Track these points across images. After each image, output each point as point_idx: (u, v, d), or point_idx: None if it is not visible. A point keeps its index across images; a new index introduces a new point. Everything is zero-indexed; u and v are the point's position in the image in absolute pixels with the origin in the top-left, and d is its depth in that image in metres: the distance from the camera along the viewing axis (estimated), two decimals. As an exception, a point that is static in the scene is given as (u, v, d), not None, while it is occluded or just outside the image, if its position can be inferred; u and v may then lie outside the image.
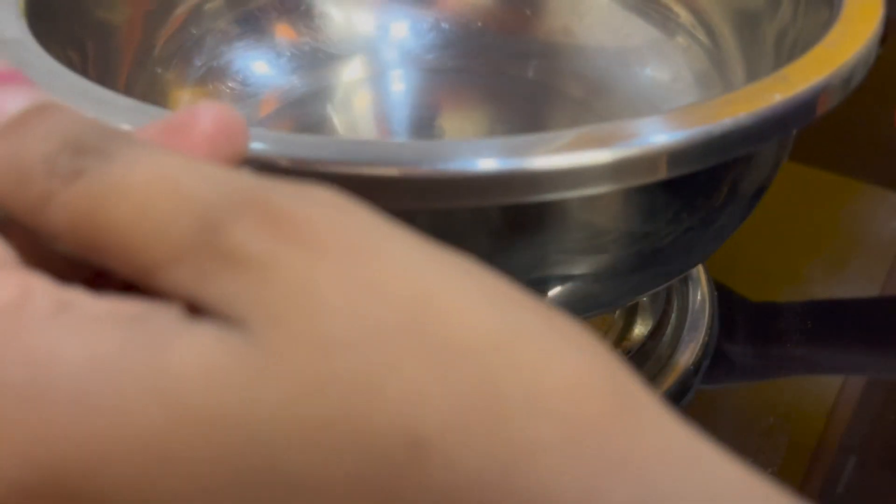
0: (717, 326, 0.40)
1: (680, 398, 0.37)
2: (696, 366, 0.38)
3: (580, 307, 0.30)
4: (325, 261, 0.13)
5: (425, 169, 0.21)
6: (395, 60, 0.45)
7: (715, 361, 0.39)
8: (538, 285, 0.27)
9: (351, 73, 0.45)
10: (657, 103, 0.40)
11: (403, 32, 0.46)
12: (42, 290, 0.14)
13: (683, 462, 0.13)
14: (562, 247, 0.25)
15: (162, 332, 0.13)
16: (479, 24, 0.46)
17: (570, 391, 0.13)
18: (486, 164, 0.20)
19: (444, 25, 0.46)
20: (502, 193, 0.21)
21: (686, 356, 0.39)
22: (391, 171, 0.21)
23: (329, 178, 0.21)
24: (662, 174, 0.21)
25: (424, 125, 0.45)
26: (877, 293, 0.43)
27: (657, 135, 0.21)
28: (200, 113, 0.17)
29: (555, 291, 0.27)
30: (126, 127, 0.21)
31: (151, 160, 0.14)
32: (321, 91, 0.44)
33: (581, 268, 0.27)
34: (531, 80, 0.45)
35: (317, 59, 0.44)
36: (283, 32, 0.44)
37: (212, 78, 0.41)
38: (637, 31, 0.41)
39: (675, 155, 0.21)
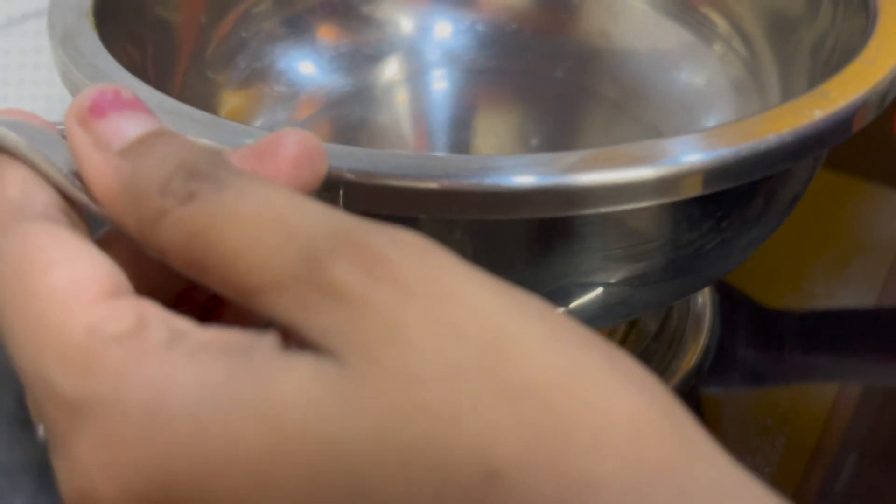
0: (719, 330, 0.41)
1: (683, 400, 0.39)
2: (698, 369, 0.40)
3: (617, 312, 0.31)
4: (413, 302, 0.15)
5: (466, 183, 0.22)
6: (433, 61, 0.47)
7: (716, 365, 0.40)
8: (577, 290, 0.28)
9: (389, 74, 0.46)
10: (691, 107, 0.41)
11: (441, 34, 0.47)
12: (156, 319, 0.16)
13: (737, 499, 0.14)
14: (602, 254, 0.27)
15: (264, 363, 0.15)
16: (515, 26, 0.47)
17: (632, 430, 0.14)
18: (525, 180, 0.22)
19: (479, 27, 0.48)
20: (545, 208, 0.22)
21: (687, 359, 0.40)
22: (450, 185, 0.22)
23: (377, 189, 0.22)
24: (707, 190, 0.23)
25: (461, 126, 0.46)
26: (878, 292, 0.44)
27: (700, 153, 0.22)
28: (285, 139, 0.19)
29: (594, 295, 0.29)
30: (204, 141, 0.23)
31: (260, 191, 0.16)
32: (361, 91, 0.46)
33: (620, 274, 0.28)
34: (566, 81, 0.46)
35: (356, 60, 0.46)
36: (326, 34, 0.46)
37: (255, 79, 0.42)
38: (673, 36, 0.42)
39: (720, 172, 0.23)
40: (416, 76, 0.47)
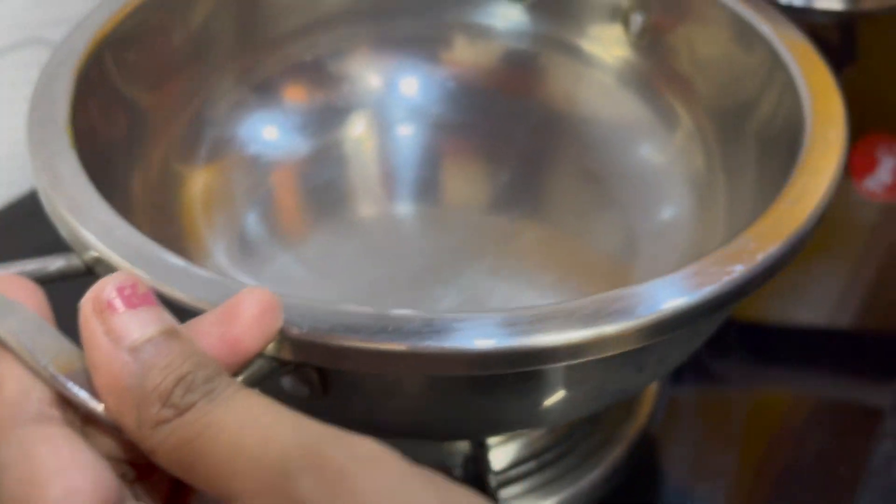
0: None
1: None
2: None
3: (567, 415, 0.35)
4: None
5: (424, 346, 0.25)
6: (400, 118, 0.50)
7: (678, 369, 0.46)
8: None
9: (357, 131, 0.50)
10: (649, 181, 0.45)
11: (408, 90, 0.51)
12: None
13: None
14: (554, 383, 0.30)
15: None
16: (483, 85, 0.51)
17: None
18: (486, 343, 0.25)
19: (450, 84, 0.51)
20: (501, 366, 0.26)
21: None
22: (401, 347, 0.26)
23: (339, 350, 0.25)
24: (636, 345, 0.27)
25: (429, 184, 0.49)
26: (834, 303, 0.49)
27: (630, 314, 0.26)
28: (245, 300, 0.23)
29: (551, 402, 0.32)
30: (180, 294, 0.26)
31: (243, 402, 0.20)
32: (329, 149, 0.49)
33: (567, 393, 0.31)
34: (530, 140, 0.49)
35: (325, 118, 0.49)
36: (293, 95, 0.49)
37: (224, 149, 0.45)
38: (636, 113, 0.46)
39: (653, 328, 0.26)
40: (383, 133, 0.50)
